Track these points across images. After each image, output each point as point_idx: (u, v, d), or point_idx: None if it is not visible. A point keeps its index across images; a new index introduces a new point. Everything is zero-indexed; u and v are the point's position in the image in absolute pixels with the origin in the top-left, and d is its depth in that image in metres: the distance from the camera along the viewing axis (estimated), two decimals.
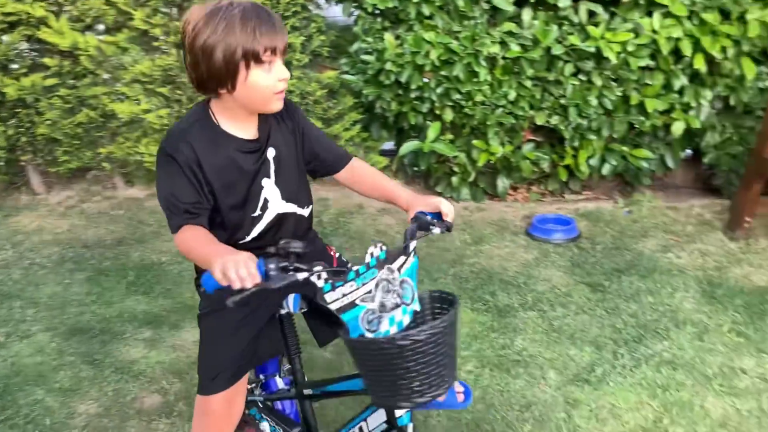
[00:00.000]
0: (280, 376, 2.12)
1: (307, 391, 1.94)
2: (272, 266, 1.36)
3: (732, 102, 4.24)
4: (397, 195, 1.78)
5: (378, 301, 1.48)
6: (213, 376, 1.80)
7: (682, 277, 3.50)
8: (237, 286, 1.33)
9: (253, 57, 1.51)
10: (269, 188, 1.71)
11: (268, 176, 1.70)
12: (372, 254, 1.48)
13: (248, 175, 1.67)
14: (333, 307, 1.44)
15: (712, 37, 4.00)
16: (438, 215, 1.67)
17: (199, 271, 1.76)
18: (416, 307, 1.56)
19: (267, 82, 1.56)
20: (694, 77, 4.22)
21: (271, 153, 1.70)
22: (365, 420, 1.85)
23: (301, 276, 1.40)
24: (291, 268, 1.40)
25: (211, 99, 1.66)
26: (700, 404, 2.55)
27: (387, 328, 1.49)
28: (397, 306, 1.51)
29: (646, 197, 4.52)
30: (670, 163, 4.52)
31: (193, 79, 1.59)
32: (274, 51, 1.53)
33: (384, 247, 1.50)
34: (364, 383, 1.55)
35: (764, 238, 3.93)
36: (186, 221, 1.57)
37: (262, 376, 2.13)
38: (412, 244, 1.56)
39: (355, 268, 1.46)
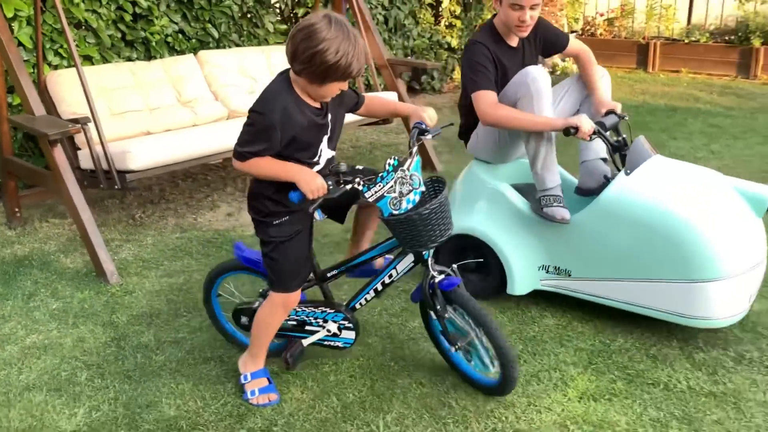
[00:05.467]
0: None
1: (330, 273, 2.71)
2: (330, 182, 2.25)
3: None
4: (401, 109, 2.69)
5: (398, 191, 2.34)
6: (294, 277, 2.49)
7: None
8: (312, 197, 2.20)
9: None
10: (324, 143, 2.43)
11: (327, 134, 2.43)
12: (389, 163, 2.33)
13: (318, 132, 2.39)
14: (370, 200, 2.34)
15: None
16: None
17: (256, 199, 2.42)
18: (422, 188, 2.43)
19: None
20: None
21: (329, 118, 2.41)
22: (395, 268, 2.58)
23: (349, 186, 2.30)
24: (341, 181, 2.30)
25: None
26: None
27: (405, 206, 2.38)
28: (410, 191, 2.38)
29: None
30: None
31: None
32: None
33: (396, 157, 2.36)
34: (399, 242, 2.47)
35: (38, 221, 4.79)
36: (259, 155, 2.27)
37: None
38: (414, 148, 2.41)
39: (380, 174, 2.33)
